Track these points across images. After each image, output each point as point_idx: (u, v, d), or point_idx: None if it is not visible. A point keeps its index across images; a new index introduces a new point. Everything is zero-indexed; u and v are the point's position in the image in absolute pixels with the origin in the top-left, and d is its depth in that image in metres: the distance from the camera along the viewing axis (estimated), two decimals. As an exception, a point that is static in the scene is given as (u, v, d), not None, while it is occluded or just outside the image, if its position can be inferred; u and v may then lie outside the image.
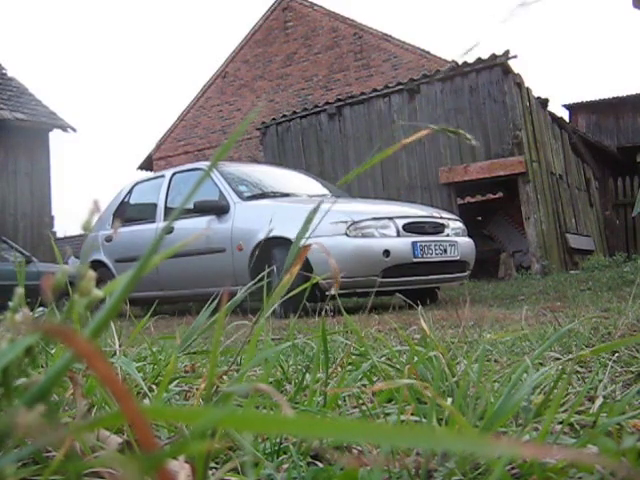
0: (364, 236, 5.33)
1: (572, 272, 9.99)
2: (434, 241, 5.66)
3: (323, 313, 1.07)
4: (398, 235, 5.48)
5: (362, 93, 12.19)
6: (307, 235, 0.81)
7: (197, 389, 1.10)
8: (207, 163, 7.53)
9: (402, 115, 11.42)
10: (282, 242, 5.46)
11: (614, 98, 19.64)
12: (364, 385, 1.10)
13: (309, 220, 0.79)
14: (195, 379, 1.16)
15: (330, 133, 12.33)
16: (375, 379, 1.12)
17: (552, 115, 12.83)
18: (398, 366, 1.13)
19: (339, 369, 1.11)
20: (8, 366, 0.51)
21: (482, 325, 2.66)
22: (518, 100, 10.46)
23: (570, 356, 1.46)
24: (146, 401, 0.96)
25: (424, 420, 0.83)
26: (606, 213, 15.77)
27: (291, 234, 5.37)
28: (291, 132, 12.84)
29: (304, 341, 1.49)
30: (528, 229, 10.28)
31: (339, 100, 12.37)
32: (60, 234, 19.92)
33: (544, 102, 12.03)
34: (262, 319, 0.85)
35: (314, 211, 0.79)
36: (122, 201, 7.71)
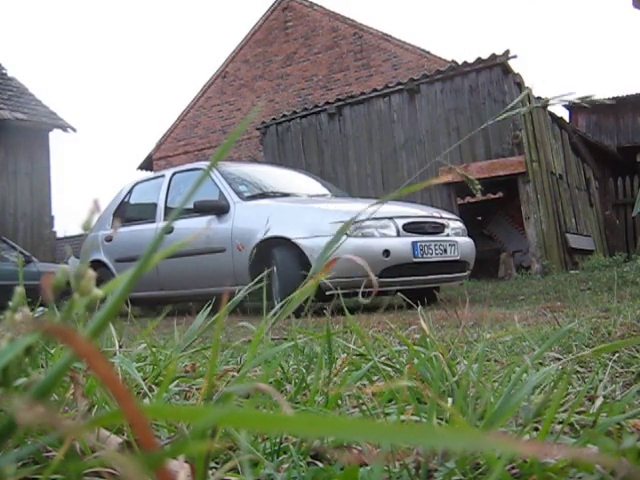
0: (364, 236, 5.33)
1: (572, 272, 9.99)
2: (434, 241, 5.66)
3: (328, 313, 1.07)
4: (398, 235, 5.47)
5: (362, 93, 12.19)
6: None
7: (197, 389, 1.10)
8: (207, 163, 7.53)
9: (402, 115, 11.43)
10: (282, 242, 5.46)
11: (614, 98, 19.63)
12: (364, 385, 1.11)
13: (343, 230, 0.78)
14: (195, 379, 1.16)
15: (330, 133, 12.33)
16: (375, 379, 1.12)
17: (552, 115, 12.83)
18: (398, 366, 1.13)
19: (340, 369, 1.11)
20: (8, 366, 0.51)
21: (482, 325, 2.66)
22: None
23: (570, 356, 1.46)
24: (146, 401, 0.96)
25: (424, 420, 0.83)
26: (606, 213, 15.76)
27: (291, 234, 5.37)
28: (291, 132, 12.84)
29: (305, 341, 1.49)
30: (528, 229, 10.28)
31: (339, 100, 12.37)
32: (60, 234, 19.92)
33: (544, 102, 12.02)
34: (273, 320, 0.85)
35: (348, 223, 0.79)
36: (122, 201, 7.71)
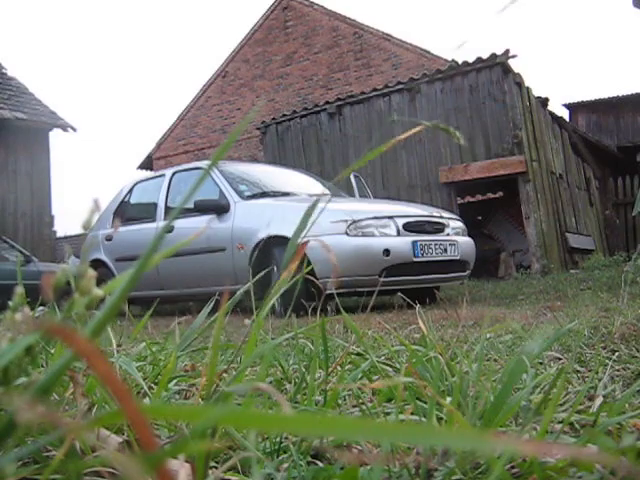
0: (364, 235, 5.32)
1: (572, 271, 9.99)
2: (434, 240, 5.65)
3: (320, 311, 1.07)
4: (398, 234, 5.47)
5: (362, 92, 12.18)
6: (307, 234, 0.81)
7: (197, 388, 1.10)
8: (207, 162, 7.52)
9: (402, 114, 11.42)
10: (282, 241, 5.46)
11: (614, 98, 19.63)
12: (363, 385, 1.10)
13: (308, 215, 0.78)
14: (195, 378, 1.15)
15: (330, 132, 12.33)
16: (375, 378, 1.12)
17: (552, 114, 12.82)
18: (398, 366, 1.13)
19: (338, 368, 1.11)
20: (8, 365, 0.51)
21: (482, 324, 2.66)
22: (518, 99, 10.45)
23: (570, 355, 1.46)
24: (146, 400, 0.96)
25: (423, 419, 0.83)
26: (606, 212, 15.76)
27: (291, 233, 5.36)
28: (291, 131, 12.83)
29: (304, 341, 1.49)
30: (528, 228, 10.28)
31: (339, 99, 12.37)
32: (60, 234, 19.91)
33: (544, 101, 12.03)
34: (261, 316, 0.85)
35: (312, 207, 0.79)
36: (122, 200, 7.71)
